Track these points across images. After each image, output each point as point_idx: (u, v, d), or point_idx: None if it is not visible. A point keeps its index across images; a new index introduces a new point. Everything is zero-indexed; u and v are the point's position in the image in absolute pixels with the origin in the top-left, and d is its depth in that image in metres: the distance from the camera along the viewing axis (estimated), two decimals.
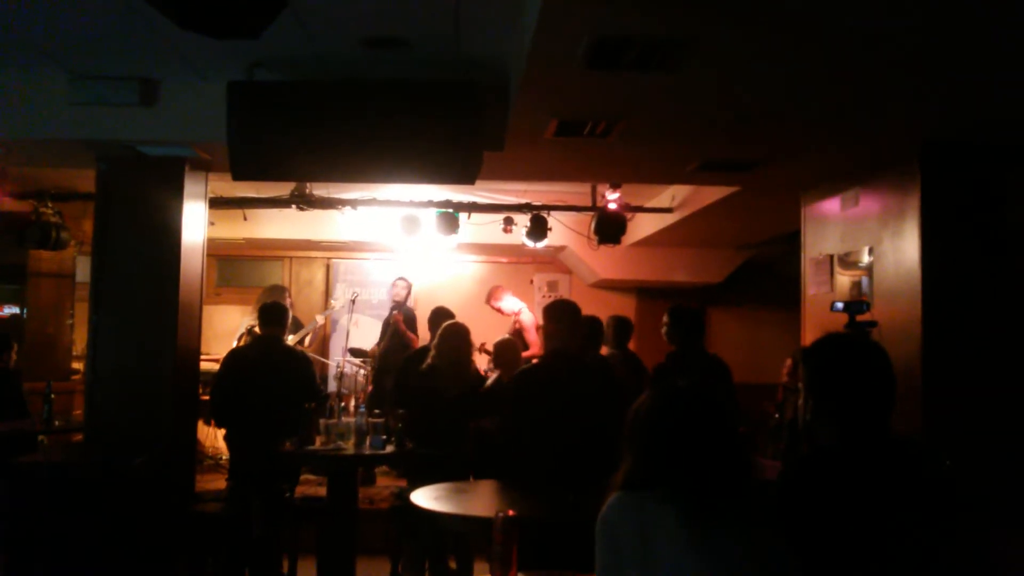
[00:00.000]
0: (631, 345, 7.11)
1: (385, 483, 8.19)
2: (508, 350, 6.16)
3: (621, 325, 6.87)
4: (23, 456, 5.58)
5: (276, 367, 6.14)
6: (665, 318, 5.77)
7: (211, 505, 5.63)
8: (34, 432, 6.60)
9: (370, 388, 8.72)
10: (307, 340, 10.17)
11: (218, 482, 7.24)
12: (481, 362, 8.85)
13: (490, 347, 9.02)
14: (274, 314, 6.36)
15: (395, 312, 9.14)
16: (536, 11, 3.37)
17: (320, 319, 10.14)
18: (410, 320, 9.31)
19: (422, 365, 5.94)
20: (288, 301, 9.19)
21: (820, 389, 2.43)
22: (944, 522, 2.22)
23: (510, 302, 9.49)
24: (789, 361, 6.80)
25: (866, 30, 3.52)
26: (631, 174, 6.92)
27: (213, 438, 7.90)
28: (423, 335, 9.64)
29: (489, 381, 6.08)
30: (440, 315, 6.79)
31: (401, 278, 9.59)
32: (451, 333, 5.89)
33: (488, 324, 9.39)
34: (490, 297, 9.57)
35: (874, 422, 2.37)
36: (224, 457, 7.82)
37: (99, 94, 5.33)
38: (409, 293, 9.61)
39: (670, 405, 2.26)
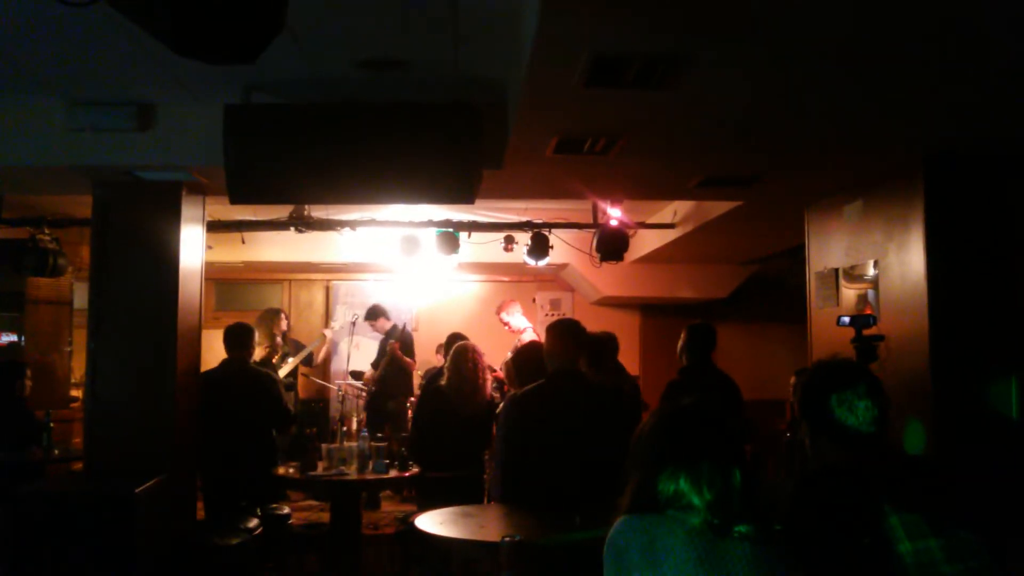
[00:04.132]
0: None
1: (390, 508, 8.13)
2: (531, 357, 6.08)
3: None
4: (27, 485, 5.54)
5: (243, 389, 6.16)
6: (682, 334, 5.78)
7: (214, 533, 5.57)
8: (41, 461, 6.55)
9: (363, 416, 8.69)
10: (317, 358, 10.14)
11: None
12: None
13: (501, 373, 9.02)
14: (238, 337, 6.36)
15: (391, 341, 9.12)
16: (533, 31, 3.34)
17: (329, 333, 10.11)
18: (407, 343, 9.29)
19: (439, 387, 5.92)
20: (285, 324, 9.18)
21: (813, 415, 2.52)
22: (949, 535, 2.20)
23: (518, 319, 9.45)
24: (793, 379, 6.75)
25: (867, 44, 3.49)
26: (632, 190, 6.88)
27: None
28: (428, 359, 9.67)
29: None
30: (454, 340, 6.79)
31: (375, 316, 9.53)
32: (460, 352, 5.86)
33: (493, 342, 9.34)
34: (500, 309, 9.56)
35: (870, 440, 2.41)
36: None
37: (95, 120, 5.29)
38: (389, 320, 9.59)
39: (674, 425, 2.25)
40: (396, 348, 9.08)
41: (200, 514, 6.22)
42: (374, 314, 9.46)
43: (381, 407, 8.77)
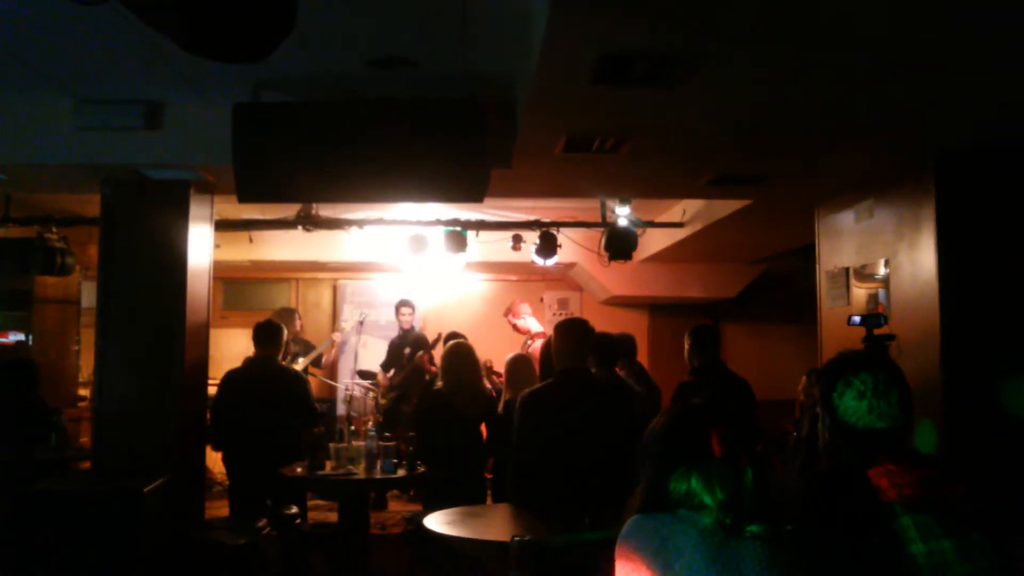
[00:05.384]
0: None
1: (397, 507, 8.12)
2: (522, 367, 6.07)
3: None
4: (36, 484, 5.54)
5: (270, 388, 6.15)
6: (687, 338, 5.75)
7: (222, 532, 5.57)
8: (62, 459, 6.56)
9: (379, 418, 8.67)
10: (326, 358, 10.15)
11: (227, 508, 7.19)
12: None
13: (498, 368, 8.97)
14: (268, 334, 6.33)
15: (421, 352, 9.07)
16: (542, 29, 3.33)
17: (337, 336, 10.12)
18: (423, 343, 9.27)
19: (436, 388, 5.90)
20: (298, 324, 9.18)
21: (833, 407, 2.41)
22: (962, 536, 2.16)
23: (529, 322, 9.42)
24: (804, 379, 6.72)
25: (876, 40, 3.46)
26: (641, 189, 6.86)
27: (221, 463, 7.88)
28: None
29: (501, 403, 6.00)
30: (451, 339, 6.77)
31: (406, 304, 9.55)
32: (454, 352, 5.85)
33: (502, 341, 9.34)
34: (509, 311, 9.54)
35: (890, 440, 2.34)
36: None
37: (104, 118, 5.30)
38: (413, 317, 9.60)
39: (684, 425, 2.22)
40: (426, 360, 9.03)
41: (224, 511, 6.22)
42: (405, 302, 9.52)
43: (398, 409, 8.76)
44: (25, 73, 4.93)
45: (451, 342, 6.04)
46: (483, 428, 5.93)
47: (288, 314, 9.13)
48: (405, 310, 9.51)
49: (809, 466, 5.97)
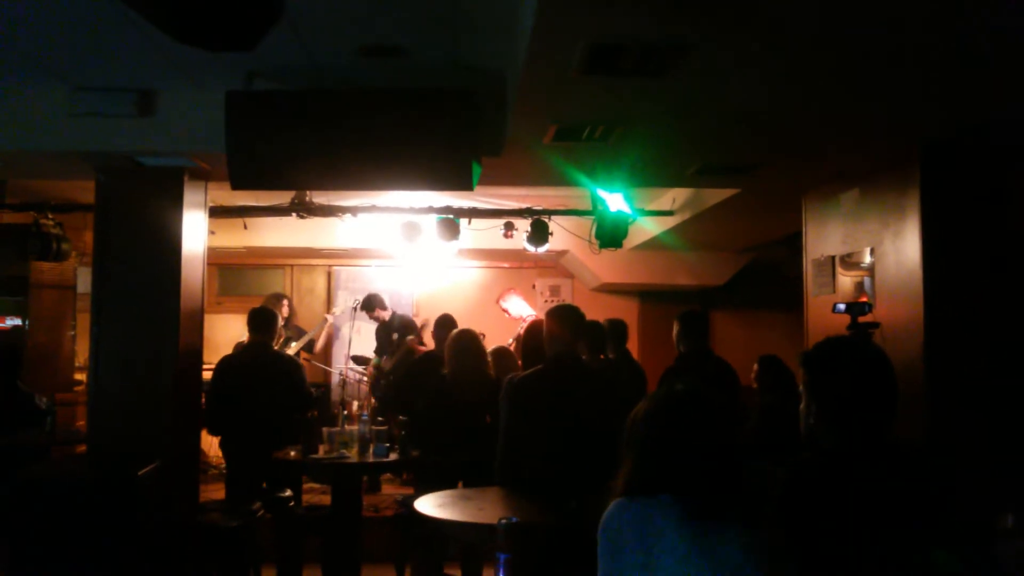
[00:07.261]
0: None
1: (390, 491, 8.18)
2: (503, 360, 6.12)
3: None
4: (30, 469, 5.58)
5: (266, 373, 6.20)
6: (675, 324, 5.79)
7: (216, 515, 5.63)
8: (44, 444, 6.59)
9: (374, 401, 8.68)
10: (318, 343, 10.18)
11: (223, 491, 7.24)
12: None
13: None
14: (263, 321, 6.37)
15: (410, 337, 9.06)
16: (531, 18, 3.36)
17: (330, 318, 10.15)
18: (410, 327, 9.28)
19: (439, 373, 5.91)
20: (289, 308, 9.20)
21: (821, 393, 2.42)
22: (945, 527, 2.21)
23: (516, 305, 9.47)
24: (756, 366, 6.75)
25: (862, 33, 3.50)
26: (631, 178, 6.89)
27: (216, 447, 7.92)
28: (427, 342, 9.64)
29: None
30: (444, 324, 6.78)
31: (372, 307, 9.44)
32: (461, 340, 5.84)
33: (492, 328, 9.37)
34: (500, 296, 9.66)
35: (875, 426, 2.37)
36: None
37: (97, 105, 5.32)
38: (387, 308, 9.52)
39: (667, 410, 2.27)
40: (415, 343, 9.02)
41: (220, 494, 6.26)
42: (370, 305, 9.42)
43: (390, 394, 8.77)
44: (19, 60, 4.95)
45: (456, 331, 6.03)
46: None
47: (275, 299, 9.16)
48: (375, 314, 9.45)
49: (798, 451, 6.01)
